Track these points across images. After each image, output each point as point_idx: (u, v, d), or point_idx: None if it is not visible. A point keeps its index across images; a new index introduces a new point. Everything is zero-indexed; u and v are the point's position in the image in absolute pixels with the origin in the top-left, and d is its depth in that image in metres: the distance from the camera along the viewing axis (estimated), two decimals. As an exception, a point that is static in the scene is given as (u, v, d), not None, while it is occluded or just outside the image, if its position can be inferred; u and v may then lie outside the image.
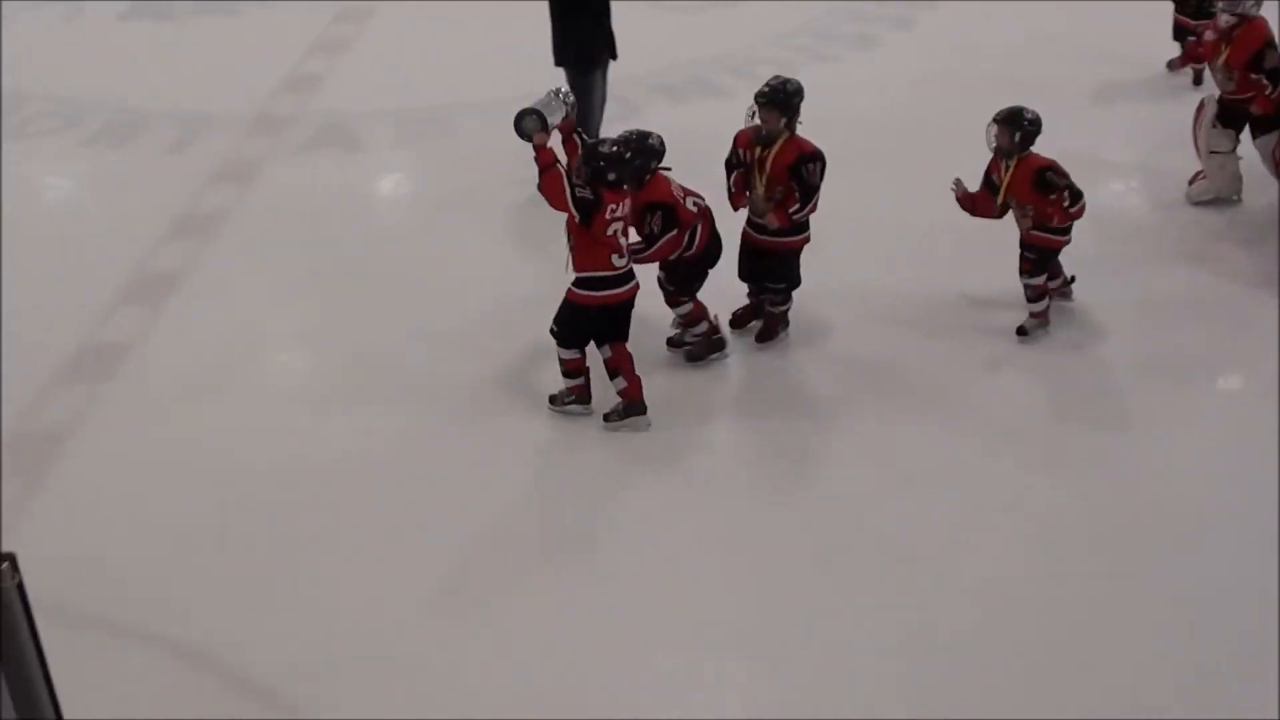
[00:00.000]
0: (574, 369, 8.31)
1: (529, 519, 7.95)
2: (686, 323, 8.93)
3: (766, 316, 9.07)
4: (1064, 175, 8.69)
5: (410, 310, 9.52)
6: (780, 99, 8.49)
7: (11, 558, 3.34)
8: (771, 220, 8.60)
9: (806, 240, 8.82)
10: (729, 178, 8.77)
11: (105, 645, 6.83)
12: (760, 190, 8.61)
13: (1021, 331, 9.10)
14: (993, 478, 7.88)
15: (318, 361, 9.41)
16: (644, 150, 8.37)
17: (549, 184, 7.78)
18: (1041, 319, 9.14)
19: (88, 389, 8.94)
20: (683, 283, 8.78)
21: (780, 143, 8.53)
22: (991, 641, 6.80)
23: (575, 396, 8.39)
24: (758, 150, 8.60)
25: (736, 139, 8.74)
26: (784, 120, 8.50)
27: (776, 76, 8.66)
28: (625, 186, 8.00)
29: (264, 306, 9.92)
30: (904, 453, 8.11)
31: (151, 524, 7.70)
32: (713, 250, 8.74)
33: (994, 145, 8.80)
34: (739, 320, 9.17)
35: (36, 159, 12.26)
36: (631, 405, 8.29)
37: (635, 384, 8.26)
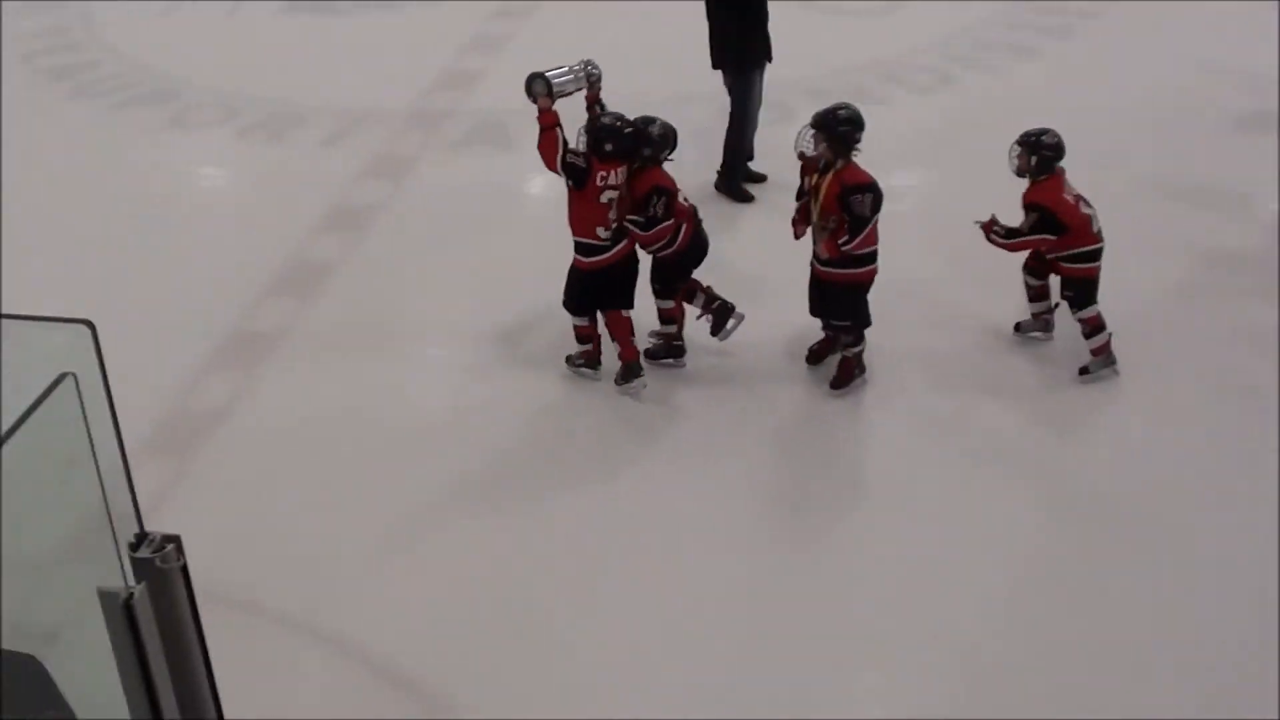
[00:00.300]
0: (582, 334, 8.85)
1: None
2: (662, 320, 9.01)
3: (841, 360, 8.72)
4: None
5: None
6: (827, 125, 8.22)
7: (177, 540, 3.32)
8: (822, 250, 8.31)
9: (870, 274, 8.41)
10: (797, 204, 8.56)
11: (253, 630, 6.88)
12: (815, 219, 8.37)
13: (1084, 371, 8.69)
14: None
15: (465, 353, 9.38)
16: (641, 133, 8.48)
17: (544, 144, 8.41)
18: (1103, 355, 8.66)
19: (240, 374, 9.01)
20: (665, 280, 8.86)
21: (832, 172, 8.22)
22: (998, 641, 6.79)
23: (585, 360, 8.90)
24: (814, 177, 8.38)
25: (804, 165, 8.48)
26: (831, 148, 8.20)
27: (840, 103, 8.38)
28: (619, 160, 8.42)
29: (414, 298, 9.91)
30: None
31: (300, 506, 7.79)
32: (695, 250, 8.79)
33: (1014, 168, 8.51)
34: (814, 356, 8.90)
35: (194, 148, 12.45)
36: (628, 368, 8.70)
37: (629, 350, 8.69)
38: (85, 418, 3.42)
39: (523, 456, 8.20)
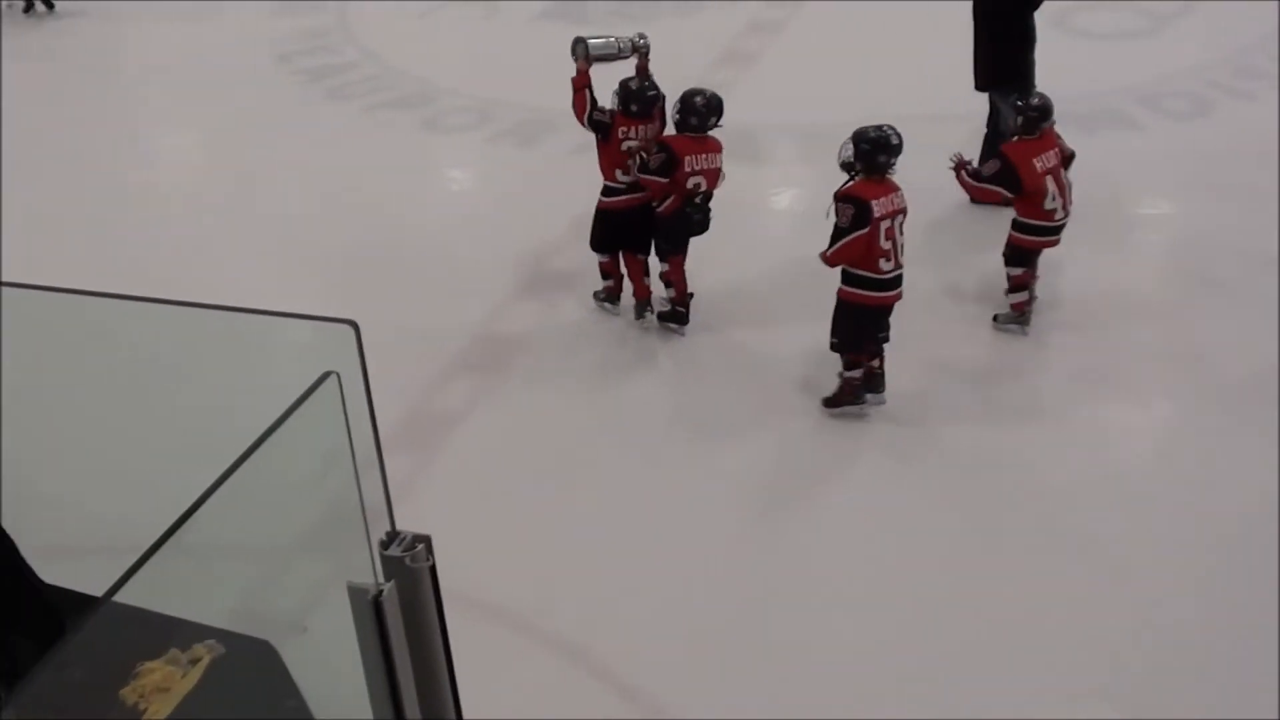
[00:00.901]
0: (604, 271, 9.86)
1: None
2: (664, 283, 9.61)
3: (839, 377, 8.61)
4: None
5: (792, 312, 9.45)
6: (856, 139, 8.18)
7: (427, 540, 3.33)
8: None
9: (860, 299, 8.23)
10: None
11: (480, 632, 6.93)
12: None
13: (995, 318, 9.32)
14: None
15: (712, 361, 9.36)
16: (659, 97, 9.58)
17: (576, 102, 9.57)
18: (1019, 312, 9.20)
19: (483, 377, 9.11)
20: (664, 240, 9.51)
21: (848, 183, 8.20)
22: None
23: (606, 295, 9.89)
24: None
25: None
26: (858, 160, 8.14)
27: (881, 124, 8.21)
28: (640, 119, 9.48)
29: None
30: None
31: (529, 511, 7.83)
32: (680, 225, 9.39)
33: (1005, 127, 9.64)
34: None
35: (446, 152, 12.66)
36: (639, 304, 9.73)
37: (640, 289, 9.70)
38: (346, 416, 3.46)
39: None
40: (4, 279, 3.81)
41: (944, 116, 11.12)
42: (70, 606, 4.61)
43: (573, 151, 12.02)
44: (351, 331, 3.38)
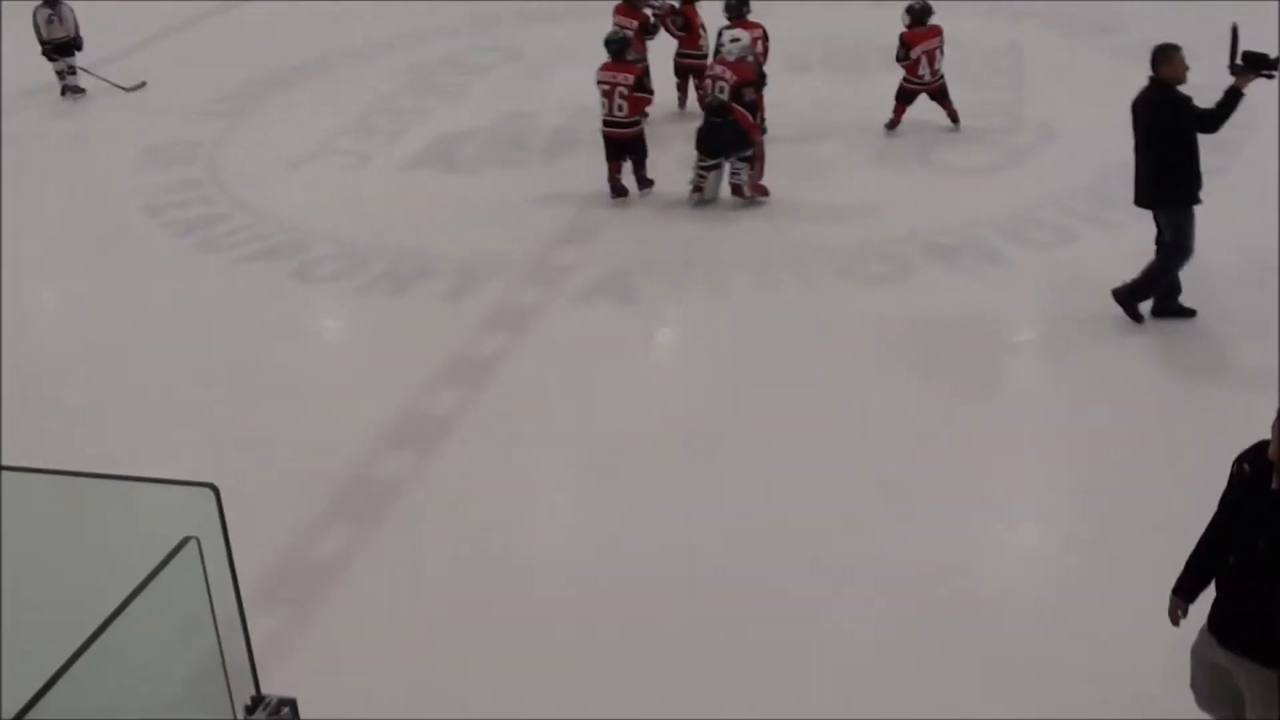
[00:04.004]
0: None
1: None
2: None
3: None
4: None
5: (683, 465, 9.45)
6: None
7: (293, 703, 3.30)
8: None
9: None
10: None
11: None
12: None
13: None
14: None
15: (591, 515, 9.37)
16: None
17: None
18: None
19: (357, 528, 9.02)
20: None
21: None
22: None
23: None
24: None
25: None
26: None
27: None
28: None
29: (533, 451, 9.91)
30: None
31: (420, 663, 7.67)
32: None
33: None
34: None
35: (318, 300, 12.63)
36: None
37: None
38: (207, 580, 3.43)
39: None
40: None
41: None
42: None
43: (446, 296, 12.09)
44: (211, 494, 3.37)
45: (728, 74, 13.89)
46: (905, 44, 15.05)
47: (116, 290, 13.05)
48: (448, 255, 12.96)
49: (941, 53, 15.06)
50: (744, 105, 13.76)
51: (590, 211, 13.90)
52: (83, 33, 19.46)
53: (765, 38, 15.32)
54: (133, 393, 11.02)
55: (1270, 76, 9.96)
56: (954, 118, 15.41)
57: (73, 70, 19.39)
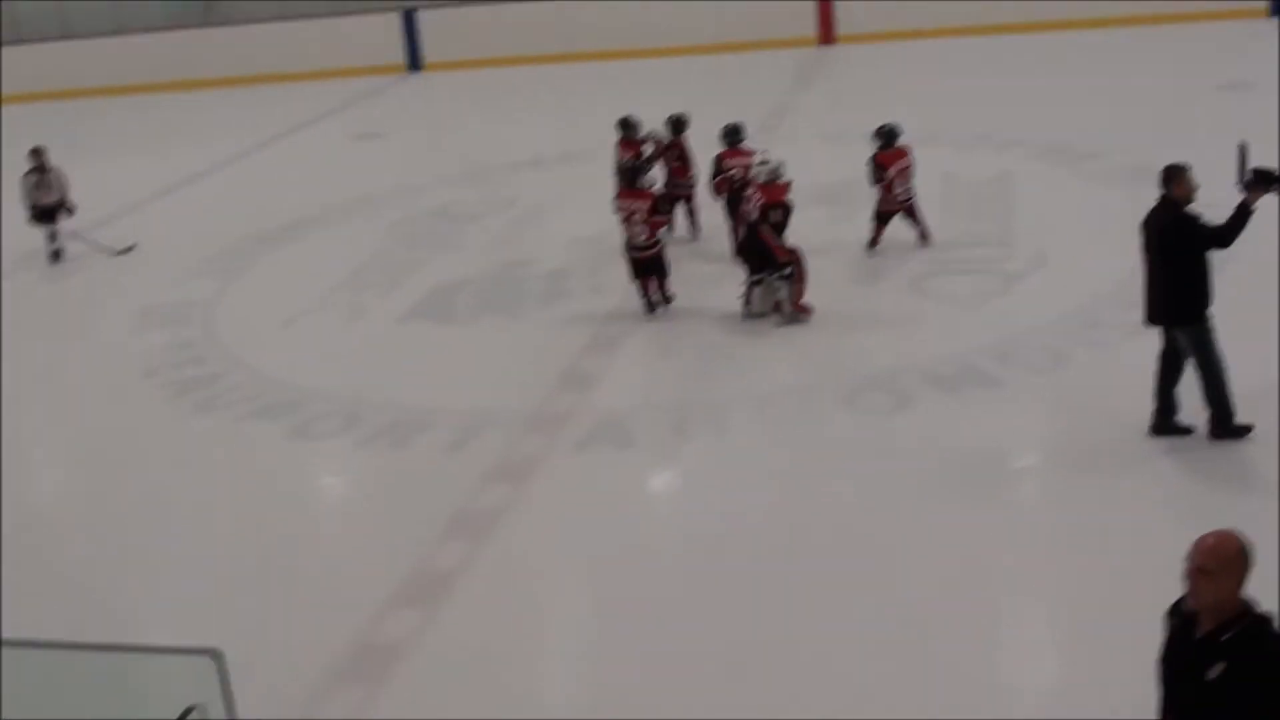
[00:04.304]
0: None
1: None
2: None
3: None
4: None
5: (677, 592, 9.31)
6: None
7: None
8: None
9: None
10: None
11: None
12: None
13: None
14: None
15: (601, 667, 9.16)
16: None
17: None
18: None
19: (364, 690, 8.83)
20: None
21: None
22: None
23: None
24: None
25: None
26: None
27: None
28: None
29: (540, 604, 9.77)
30: None
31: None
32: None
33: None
34: None
35: (317, 459, 12.52)
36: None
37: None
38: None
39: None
40: None
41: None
42: None
43: (446, 449, 11.99)
44: (213, 662, 3.24)
45: (757, 195, 14.01)
46: (879, 165, 15.53)
47: (116, 454, 12.97)
48: (446, 407, 12.88)
49: (912, 172, 15.54)
50: (773, 225, 13.90)
51: (588, 357, 13.86)
52: (73, 196, 19.53)
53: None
54: (135, 557, 10.88)
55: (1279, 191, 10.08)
56: (925, 235, 15.78)
57: (56, 235, 19.41)
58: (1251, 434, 10.46)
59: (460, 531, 10.61)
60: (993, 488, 10.56)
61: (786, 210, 14.06)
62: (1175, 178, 10.29)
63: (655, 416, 12.19)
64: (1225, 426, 10.50)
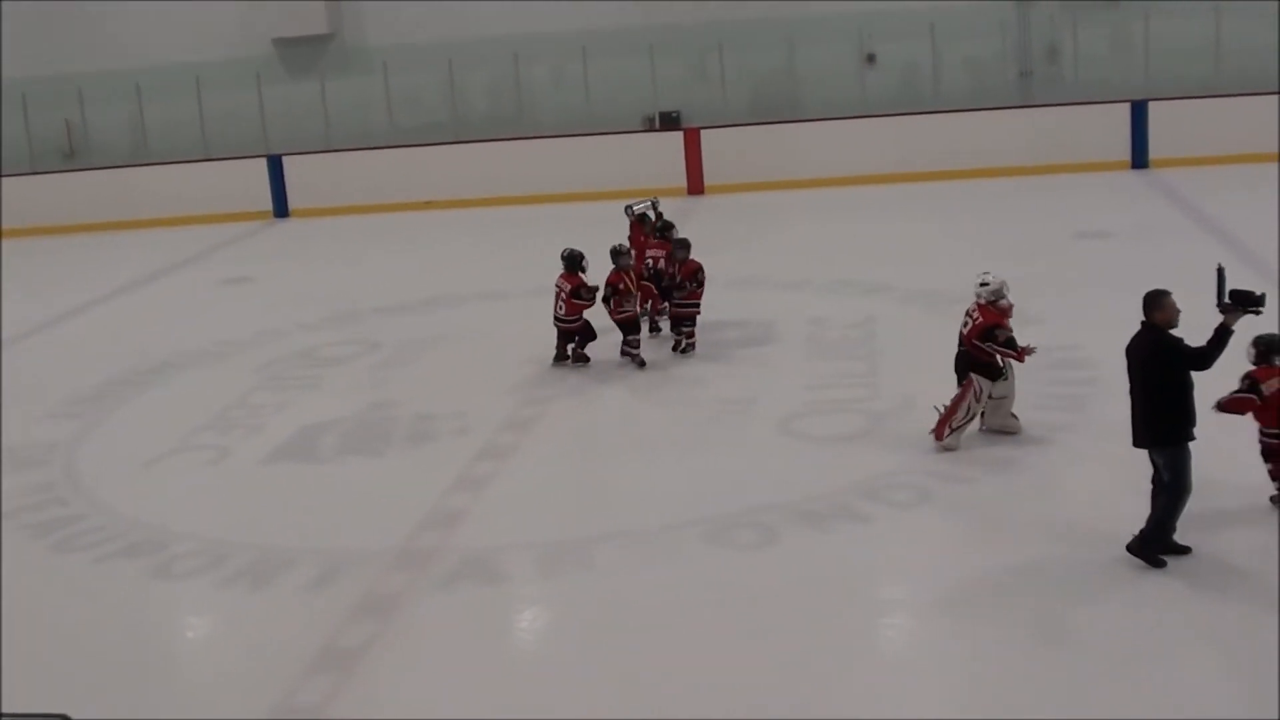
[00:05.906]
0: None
1: None
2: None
3: None
4: None
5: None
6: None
7: None
8: None
9: None
10: None
11: None
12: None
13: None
14: None
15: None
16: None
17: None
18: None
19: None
20: None
21: None
22: None
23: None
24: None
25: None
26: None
27: None
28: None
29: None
30: None
31: None
32: None
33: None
34: None
35: (178, 598, 12.40)
36: None
37: None
38: None
39: None
40: None
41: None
42: None
43: (309, 588, 11.95)
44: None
45: (978, 315, 13.79)
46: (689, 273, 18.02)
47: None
48: (310, 547, 12.86)
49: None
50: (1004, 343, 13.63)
51: (452, 496, 13.91)
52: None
53: (668, 258, 18.38)
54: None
55: (1257, 313, 10.53)
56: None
57: None
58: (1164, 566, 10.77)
59: (325, 667, 10.58)
60: (864, 620, 10.77)
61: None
62: (1157, 303, 10.63)
63: (522, 552, 12.26)
64: (1150, 548, 10.78)
